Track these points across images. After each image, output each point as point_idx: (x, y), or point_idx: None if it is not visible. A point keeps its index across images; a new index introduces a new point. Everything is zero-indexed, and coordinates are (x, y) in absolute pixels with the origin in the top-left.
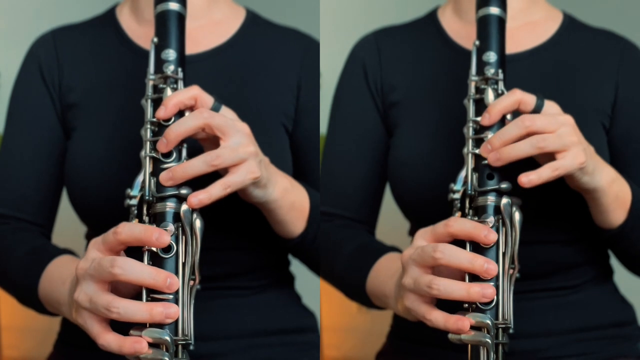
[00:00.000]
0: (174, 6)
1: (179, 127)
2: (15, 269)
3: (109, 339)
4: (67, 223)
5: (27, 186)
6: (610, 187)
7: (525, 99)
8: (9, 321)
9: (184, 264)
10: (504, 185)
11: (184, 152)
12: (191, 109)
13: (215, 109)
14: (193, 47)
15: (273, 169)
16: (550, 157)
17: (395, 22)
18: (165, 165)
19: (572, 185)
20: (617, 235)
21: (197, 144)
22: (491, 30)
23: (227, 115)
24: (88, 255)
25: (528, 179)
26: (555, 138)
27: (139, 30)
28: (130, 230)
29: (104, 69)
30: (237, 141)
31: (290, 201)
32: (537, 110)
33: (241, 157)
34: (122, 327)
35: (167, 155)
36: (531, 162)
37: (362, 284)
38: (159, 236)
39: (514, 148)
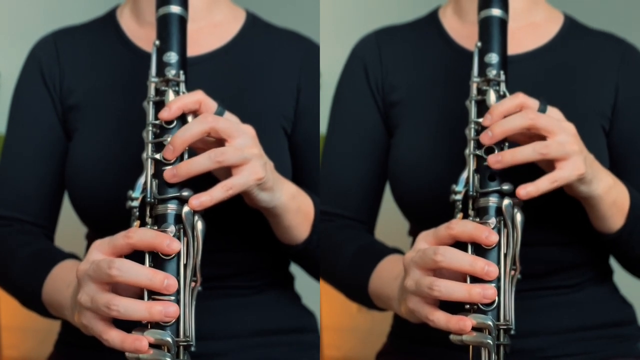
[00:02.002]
0: (175, 9)
1: (185, 133)
2: (19, 272)
3: (113, 335)
4: (68, 224)
5: (28, 188)
6: (607, 194)
7: (528, 103)
8: (9, 321)
9: (185, 266)
10: (505, 187)
11: (185, 155)
12: (194, 113)
13: (219, 113)
14: (193, 49)
15: (277, 175)
16: (550, 162)
17: (396, 22)
18: (167, 168)
19: (569, 192)
20: (615, 239)
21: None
22: (493, 31)
23: (230, 119)
24: (89, 257)
25: (526, 191)
26: (557, 145)
27: (140, 32)
28: (142, 235)
29: (105, 70)
30: (242, 142)
31: (296, 206)
32: None
33: (245, 157)
34: (126, 329)
35: None
36: (531, 164)
37: (364, 285)
38: (170, 243)
39: (517, 152)
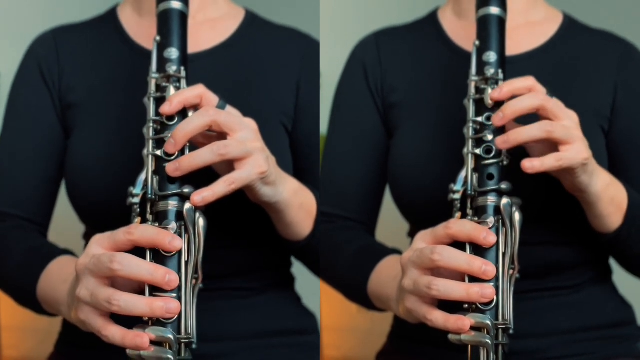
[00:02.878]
0: (176, 5)
1: (186, 127)
2: (13, 268)
3: (113, 331)
4: (66, 223)
5: (25, 184)
6: (605, 192)
7: (537, 88)
8: (9, 321)
9: (186, 263)
10: (504, 186)
11: (187, 150)
12: (195, 107)
13: (221, 107)
14: (192, 46)
15: (279, 170)
16: (554, 148)
17: (396, 22)
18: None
19: (567, 185)
20: (614, 239)
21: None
22: (491, 30)
23: (232, 112)
24: (88, 251)
25: (532, 164)
26: (562, 128)
27: (140, 30)
28: (144, 232)
29: (105, 68)
30: (244, 135)
31: (299, 202)
32: None
33: (248, 151)
34: (125, 327)
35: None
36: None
37: (363, 286)
38: (172, 240)
39: (522, 131)
